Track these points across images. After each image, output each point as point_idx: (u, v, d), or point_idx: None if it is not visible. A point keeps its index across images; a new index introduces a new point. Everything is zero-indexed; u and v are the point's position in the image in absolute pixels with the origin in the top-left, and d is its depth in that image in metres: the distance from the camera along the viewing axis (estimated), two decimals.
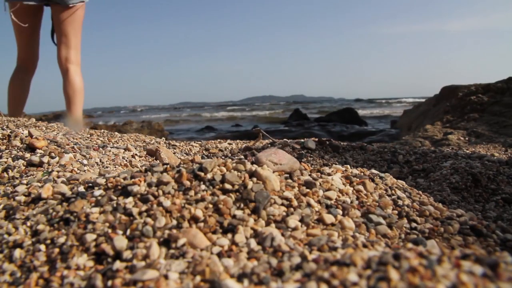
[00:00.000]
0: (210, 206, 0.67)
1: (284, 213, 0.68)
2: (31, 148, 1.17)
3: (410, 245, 0.63)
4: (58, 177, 0.92)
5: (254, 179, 0.73)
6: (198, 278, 0.51)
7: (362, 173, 0.95)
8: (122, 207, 0.66)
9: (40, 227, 0.66)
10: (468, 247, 0.71)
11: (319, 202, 0.74)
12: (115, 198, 0.69)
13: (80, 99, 2.51)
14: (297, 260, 0.52)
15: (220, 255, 0.57)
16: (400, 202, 0.83)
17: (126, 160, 1.37)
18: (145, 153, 1.54)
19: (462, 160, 1.61)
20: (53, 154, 1.11)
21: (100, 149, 1.40)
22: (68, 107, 2.53)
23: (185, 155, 1.83)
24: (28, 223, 0.68)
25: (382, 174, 0.97)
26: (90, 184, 0.77)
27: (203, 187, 0.71)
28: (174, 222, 0.63)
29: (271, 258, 0.54)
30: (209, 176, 0.73)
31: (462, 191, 1.28)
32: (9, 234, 0.66)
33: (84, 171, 1.05)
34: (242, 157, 1.69)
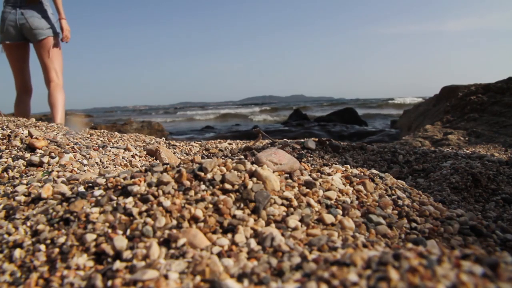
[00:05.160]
0: (210, 206, 0.67)
1: (284, 213, 0.68)
2: (31, 148, 1.17)
3: (410, 245, 0.63)
4: (58, 177, 0.92)
5: (254, 179, 0.73)
6: (198, 278, 0.51)
7: (362, 173, 0.95)
8: (122, 207, 0.66)
9: (40, 227, 0.66)
10: (468, 247, 0.71)
11: (319, 202, 0.74)
12: (115, 198, 0.69)
13: (59, 110, 3.19)
14: (297, 260, 0.52)
15: (220, 255, 0.57)
16: (400, 202, 0.83)
17: (126, 160, 1.37)
18: (145, 153, 1.54)
19: (462, 160, 1.61)
20: (53, 154, 1.11)
21: (100, 149, 1.40)
22: (52, 116, 3.23)
23: (185, 155, 1.83)
24: (28, 223, 0.68)
25: (382, 174, 0.97)
26: (90, 184, 0.77)
27: (203, 187, 0.71)
28: (174, 222, 0.63)
29: (271, 258, 0.54)
30: (209, 176, 0.73)
31: (462, 191, 1.28)
32: (9, 234, 0.66)
33: (84, 171, 1.05)
34: (242, 157, 1.69)
